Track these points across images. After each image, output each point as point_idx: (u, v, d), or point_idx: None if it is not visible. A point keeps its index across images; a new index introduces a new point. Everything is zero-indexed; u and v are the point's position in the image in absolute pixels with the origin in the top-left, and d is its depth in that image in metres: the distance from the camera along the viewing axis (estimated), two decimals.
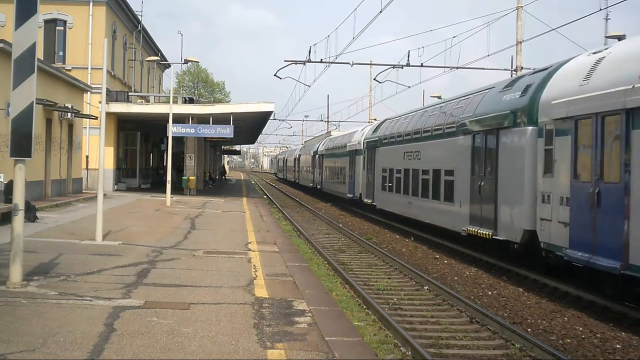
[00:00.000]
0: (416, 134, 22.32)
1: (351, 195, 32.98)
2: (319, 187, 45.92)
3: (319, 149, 47.18)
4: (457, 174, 17.79)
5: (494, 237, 14.87)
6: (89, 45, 33.68)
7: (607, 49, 12.58)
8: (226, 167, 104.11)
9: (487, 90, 17.62)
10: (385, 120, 29.07)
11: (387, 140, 26.21)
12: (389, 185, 25.06)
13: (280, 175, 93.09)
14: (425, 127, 21.39)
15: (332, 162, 40.15)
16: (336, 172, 38.48)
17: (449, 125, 19.02)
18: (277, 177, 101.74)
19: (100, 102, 20.14)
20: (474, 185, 16.35)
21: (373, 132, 29.37)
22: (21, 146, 8.74)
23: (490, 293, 12.40)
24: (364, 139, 30.53)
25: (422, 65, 30.69)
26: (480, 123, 16.22)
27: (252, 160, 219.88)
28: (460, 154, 17.64)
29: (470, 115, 17.21)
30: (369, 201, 28.46)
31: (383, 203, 26.36)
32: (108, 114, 29.74)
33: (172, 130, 29.22)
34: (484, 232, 15.28)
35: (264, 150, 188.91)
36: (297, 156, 64.88)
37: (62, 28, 34.30)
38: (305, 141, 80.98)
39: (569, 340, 9.18)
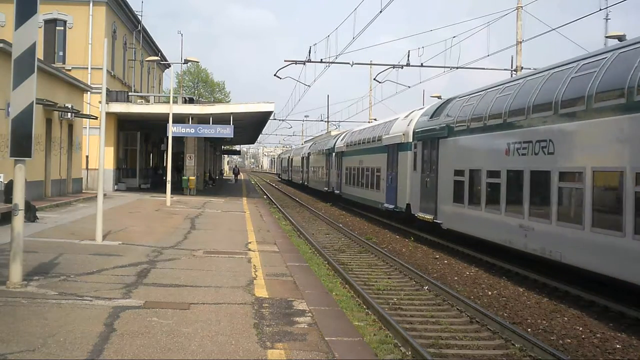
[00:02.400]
0: (544, 111, 13.45)
1: (390, 206, 24.60)
2: (336, 192, 37.87)
3: (336, 145, 39.04)
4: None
5: None
6: (89, 45, 33.68)
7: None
8: (225, 168, 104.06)
9: None
10: (450, 100, 20.61)
11: (463, 128, 17.90)
12: (472, 196, 16.87)
13: (284, 177, 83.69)
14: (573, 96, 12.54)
15: (357, 161, 31.84)
16: (364, 174, 30.08)
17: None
18: (280, 178, 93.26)
19: (100, 102, 20.14)
20: None
21: (431, 117, 21.05)
22: (21, 146, 8.74)
23: (490, 293, 12.41)
24: (415, 129, 22.29)
25: (422, 65, 30.68)
26: None
27: (252, 160, 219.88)
28: None
29: None
30: (429, 217, 19.89)
31: (456, 222, 18.05)
32: (108, 114, 29.73)
33: (172, 130, 29.22)
34: None
35: (264, 150, 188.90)
36: (306, 154, 55.70)
37: (62, 28, 34.29)
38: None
39: (569, 340, 9.18)
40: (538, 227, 13.29)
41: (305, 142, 79.96)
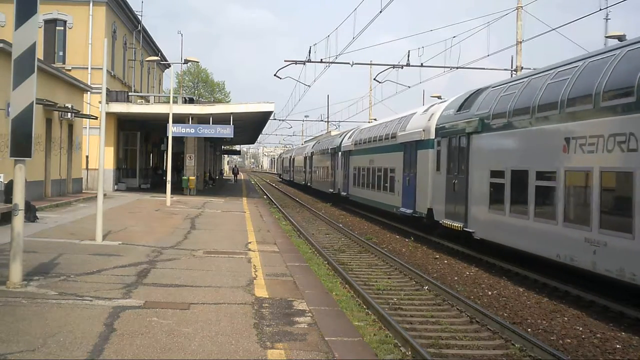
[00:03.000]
0: None
1: (407, 211, 22.16)
2: (343, 193, 35.29)
3: (343, 144, 36.34)
4: None
5: None
6: (89, 45, 33.69)
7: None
8: (225, 168, 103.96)
9: None
10: (481, 91, 17.81)
11: (502, 121, 15.22)
12: (515, 202, 14.31)
13: (285, 177, 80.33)
14: None
15: (367, 161, 29.48)
16: (375, 175, 27.73)
17: None
18: (281, 178, 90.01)
19: (100, 102, 20.15)
20: None
21: (458, 111, 18.39)
22: (21, 146, 8.74)
23: (490, 293, 12.41)
24: (438, 124, 19.72)
25: (422, 65, 30.69)
26: None
27: (252, 160, 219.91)
28: None
29: None
30: (457, 224, 17.21)
31: (493, 231, 15.45)
32: (108, 114, 29.73)
33: (172, 130, 29.23)
34: None
35: (264, 150, 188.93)
36: (309, 154, 52.71)
37: (62, 28, 34.30)
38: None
39: (569, 340, 9.18)
40: (614, 242, 10.60)
41: (305, 141, 79.59)
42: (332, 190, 39.15)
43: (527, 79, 15.10)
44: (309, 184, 52.10)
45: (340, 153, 36.94)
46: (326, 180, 42.06)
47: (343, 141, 36.69)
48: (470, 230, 16.53)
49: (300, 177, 59.01)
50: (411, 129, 22.43)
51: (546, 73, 14.14)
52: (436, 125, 19.92)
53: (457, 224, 17.34)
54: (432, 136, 20.10)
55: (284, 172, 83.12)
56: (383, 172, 26.36)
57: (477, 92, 18.14)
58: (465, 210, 16.96)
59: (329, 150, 40.85)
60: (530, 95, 14.13)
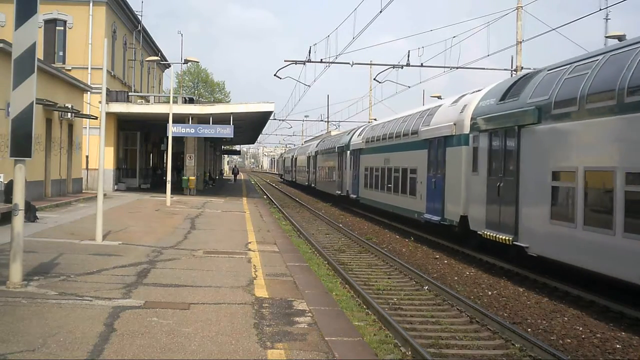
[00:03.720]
0: None
1: (434, 218, 19.21)
2: (352, 196, 32.66)
3: (352, 142, 33.63)
4: None
5: None
6: (89, 45, 33.68)
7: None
8: (225, 168, 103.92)
9: None
10: (532, 75, 15.21)
11: (571, 109, 12.35)
12: (592, 212, 11.48)
13: (287, 177, 76.74)
14: None
15: (382, 160, 26.51)
16: (391, 176, 24.76)
17: None
18: (282, 179, 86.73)
19: (100, 102, 20.14)
20: None
21: (502, 100, 15.46)
22: (21, 146, 8.74)
23: (490, 293, 12.40)
24: (475, 116, 16.74)
25: (422, 65, 30.69)
26: None
27: (252, 160, 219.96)
28: None
29: None
30: (504, 237, 14.38)
31: (558, 248, 12.55)
32: (108, 114, 29.72)
33: (172, 130, 29.22)
34: None
35: (264, 150, 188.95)
36: (313, 153, 49.45)
37: (62, 28, 34.31)
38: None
39: (569, 340, 9.18)
40: None
41: (306, 141, 79.17)
42: (339, 192, 36.43)
43: (602, 56, 12.05)
44: (312, 185, 49.29)
45: (348, 152, 34.13)
46: (332, 181, 39.30)
47: (352, 139, 33.88)
48: (523, 245, 13.56)
49: (304, 178, 56.28)
50: (438, 123, 19.54)
51: (629, 48, 11.26)
52: (471, 118, 17.02)
53: (503, 236, 14.35)
54: (466, 131, 17.27)
55: (286, 173, 79.76)
56: (401, 173, 23.51)
57: (527, 77, 15.38)
58: (515, 220, 14.00)
59: (336, 149, 37.90)
60: (614, 74, 11.14)
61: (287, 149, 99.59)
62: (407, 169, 22.76)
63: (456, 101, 19.37)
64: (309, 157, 52.51)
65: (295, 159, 65.28)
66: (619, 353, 8.65)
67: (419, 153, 21.25)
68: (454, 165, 17.98)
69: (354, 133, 34.78)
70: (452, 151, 18.24)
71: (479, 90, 18.28)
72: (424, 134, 20.82)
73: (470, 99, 18.03)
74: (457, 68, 31.34)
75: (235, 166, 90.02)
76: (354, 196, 32.21)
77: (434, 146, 19.83)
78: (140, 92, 44.44)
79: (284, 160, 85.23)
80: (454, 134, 18.04)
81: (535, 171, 13.48)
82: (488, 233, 15.28)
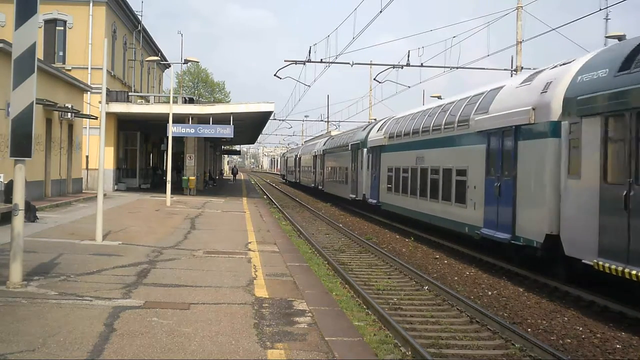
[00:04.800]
0: None
1: (502, 235, 14.56)
2: (371, 200, 28.21)
3: (370, 138, 29.14)
4: None
5: None
6: (89, 45, 33.70)
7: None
8: (226, 167, 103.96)
9: None
10: None
11: None
12: None
13: (290, 178, 71.87)
14: None
15: (412, 159, 22.15)
16: (426, 178, 20.48)
17: None
18: (285, 179, 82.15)
19: (100, 102, 20.14)
20: None
21: (622, 70, 10.93)
22: (21, 146, 8.75)
23: (490, 293, 12.40)
24: (569, 97, 12.40)
25: (422, 65, 30.69)
26: None
27: (252, 160, 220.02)
28: None
29: None
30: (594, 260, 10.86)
31: None
32: (108, 114, 29.73)
33: (172, 130, 29.24)
34: None
35: (264, 150, 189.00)
36: (320, 152, 45.21)
37: (62, 28, 34.33)
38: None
39: (569, 340, 9.18)
40: None
41: (306, 141, 78.93)
42: (352, 196, 31.91)
43: None
44: (320, 187, 44.61)
45: (365, 150, 29.71)
46: (344, 183, 34.73)
47: (370, 135, 29.41)
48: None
49: (309, 179, 51.77)
50: (503, 109, 15.03)
51: None
52: (565, 99, 12.55)
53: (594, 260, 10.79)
54: (554, 117, 12.84)
55: (288, 173, 74.44)
56: (442, 175, 19.03)
57: None
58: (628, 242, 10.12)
59: (349, 147, 33.43)
60: None
61: (289, 148, 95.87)
62: (452, 169, 18.10)
63: (529, 79, 14.94)
64: (315, 156, 48.19)
65: (299, 158, 60.75)
66: (619, 353, 8.65)
67: (471, 149, 16.74)
68: (534, 164, 13.60)
69: (372, 128, 30.41)
70: (530, 145, 13.77)
71: (566, 63, 13.80)
72: (479, 124, 16.13)
73: (558, 74, 13.49)
74: (457, 68, 31.36)
75: (234, 166, 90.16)
76: (373, 201, 27.73)
77: (497, 139, 15.21)
78: (140, 92, 44.46)
79: (286, 160, 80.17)
80: (532, 122, 13.54)
81: None
82: (606, 264, 10.50)
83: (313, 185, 48.65)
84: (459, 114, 18.28)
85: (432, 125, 20.61)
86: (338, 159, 37.76)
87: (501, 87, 16.39)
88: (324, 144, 44.92)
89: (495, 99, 16.07)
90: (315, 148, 49.54)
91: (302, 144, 73.34)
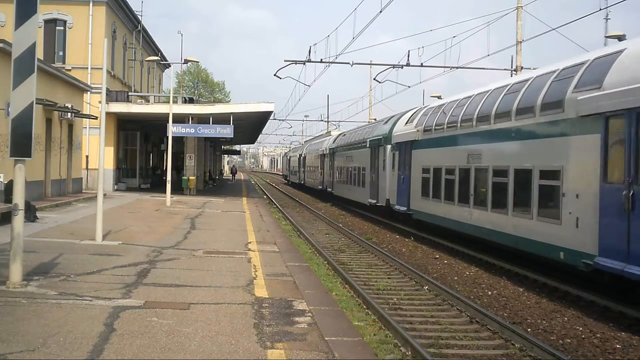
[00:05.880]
0: None
1: (631, 270, 9.80)
2: (400, 209, 23.22)
3: (395, 132, 24.58)
4: None
5: None
6: (89, 45, 33.69)
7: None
8: (226, 167, 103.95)
9: None
10: None
11: None
12: None
13: (293, 179, 66.60)
14: None
15: (461, 157, 17.68)
16: (486, 184, 15.99)
17: None
18: (287, 180, 76.89)
19: (100, 102, 20.14)
20: None
21: None
22: (21, 146, 8.75)
23: (490, 293, 12.40)
24: None
25: (422, 65, 30.65)
26: None
27: (252, 160, 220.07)
28: None
29: None
30: None
31: None
32: (108, 114, 29.74)
33: (172, 130, 29.24)
34: None
35: (264, 150, 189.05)
36: (328, 150, 41.28)
37: (62, 28, 34.33)
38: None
39: (569, 340, 9.18)
40: None
41: (305, 141, 78.64)
42: (373, 202, 27.57)
43: None
44: (329, 190, 40.23)
45: (389, 147, 25.41)
46: (360, 186, 30.55)
47: (395, 128, 25.08)
48: None
49: (315, 180, 47.37)
50: (635, 79, 10.49)
51: None
52: None
53: None
54: None
55: (291, 174, 68.87)
56: (515, 177, 14.56)
57: None
58: None
59: (367, 144, 28.93)
60: None
61: (291, 147, 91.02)
62: (531, 170, 13.69)
63: None
64: (323, 155, 43.45)
65: (304, 157, 55.60)
66: (619, 353, 8.65)
67: (571, 142, 12.28)
68: None
69: (397, 120, 25.92)
70: None
71: None
72: (586, 105, 11.53)
73: None
74: (457, 68, 31.32)
75: (233, 166, 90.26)
76: (401, 208, 23.07)
77: (625, 125, 10.48)
78: (140, 92, 44.45)
79: (289, 160, 74.31)
80: None
81: None
82: None
83: (320, 187, 44.40)
84: (542, 94, 13.61)
85: (494, 112, 15.77)
86: (352, 157, 33.34)
87: (621, 51, 11.58)
88: (334, 141, 40.59)
89: (614, 67, 11.37)
90: (323, 146, 44.62)
91: (307, 142, 68.06)
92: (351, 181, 33.20)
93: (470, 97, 18.39)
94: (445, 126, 19.40)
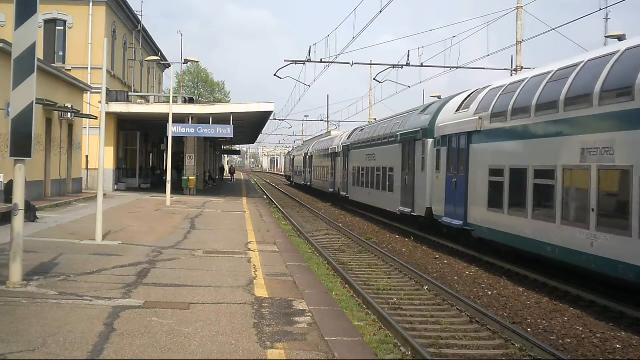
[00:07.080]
0: None
1: None
2: (454, 222, 17.67)
3: (439, 124, 19.52)
4: None
5: None
6: (89, 45, 33.69)
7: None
8: (226, 167, 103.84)
9: None
10: None
11: None
12: None
13: (297, 180, 60.43)
14: None
15: (560, 152, 12.35)
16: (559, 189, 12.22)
17: None
18: (291, 182, 70.77)
19: (100, 102, 20.14)
20: None
21: None
22: (21, 146, 8.74)
23: (490, 293, 12.40)
24: None
25: (422, 65, 30.67)
26: None
27: (252, 160, 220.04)
28: None
29: None
30: None
31: None
32: (108, 114, 29.73)
33: (172, 130, 29.24)
34: None
35: (264, 150, 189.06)
36: (338, 149, 36.89)
37: (62, 28, 34.33)
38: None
39: (569, 340, 9.18)
40: None
41: (305, 141, 78.21)
42: (407, 210, 22.17)
43: None
44: (342, 193, 35.15)
45: (430, 141, 20.06)
46: (386, 190, 25.39)
47: (440, 117, 19.83)
48: None
49: (324, 182, 42.22)
50: None
51: None
52: None
53: None
54: None
55: (296, 175, 62.59)
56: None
57: None
58: None
59: (397, 138, 23.65)
60: None
61: (294, 145, 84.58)
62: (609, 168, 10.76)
63: None
64: (334, 154, 38.35)
65: (311, 157, 50.02)
66: (619, 353, 8.65)
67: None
68: None
69: (442, 107, 20.53)
70: None
71: None
72: None
73: None
74: (457, 68, 31.34)
75: (232, 166, 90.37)
76: (456, 222, 17.55)
77: None
78: (140, 92, 44.45)
79: (293, 159, 67.19)
80: None
81: None
82: None
83: (332, 190, 38.78)
84: None
85: (638, 81, 10.09)
86: (375, 156, 27.81)
87: None
88: (349, 137, 35.70)
89: None
90: (334, 143, 39.27)
91: (309, 141, 63.20)
92: (373, 184, 27.61)
93: (578, 65, 12.45)
94: (533, 109, 13.55)
